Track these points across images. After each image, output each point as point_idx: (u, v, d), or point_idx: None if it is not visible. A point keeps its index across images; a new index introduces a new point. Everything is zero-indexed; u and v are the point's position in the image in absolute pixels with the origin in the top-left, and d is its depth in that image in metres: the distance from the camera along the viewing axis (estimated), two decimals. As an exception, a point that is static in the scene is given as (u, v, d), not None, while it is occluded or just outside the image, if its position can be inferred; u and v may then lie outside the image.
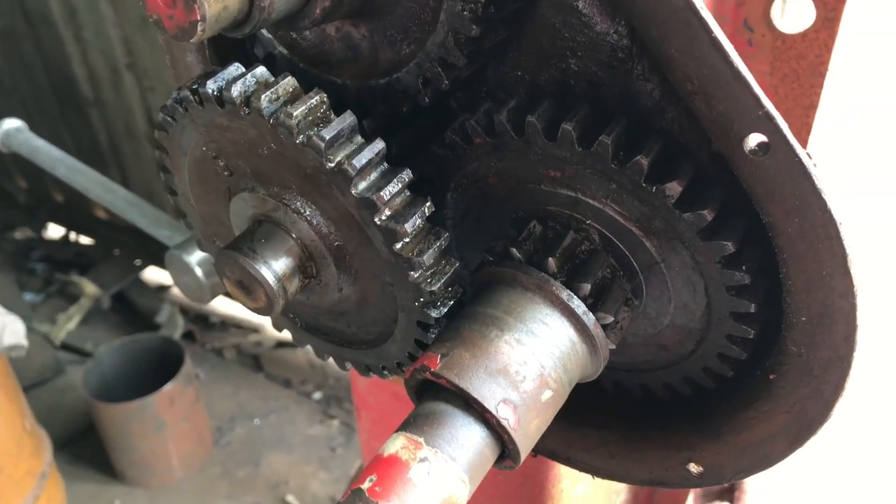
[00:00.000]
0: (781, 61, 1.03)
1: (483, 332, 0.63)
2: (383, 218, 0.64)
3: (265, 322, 4.90)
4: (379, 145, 0.65)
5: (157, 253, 5.36)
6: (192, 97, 0.68)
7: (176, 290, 5.37)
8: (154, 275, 5.55)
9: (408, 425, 0.60)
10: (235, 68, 0.68)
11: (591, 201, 0.67)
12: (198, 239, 0.86)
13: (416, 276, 0.65)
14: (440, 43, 0.68)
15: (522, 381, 0.61)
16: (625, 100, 0.69)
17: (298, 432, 4.45)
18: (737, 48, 1.04)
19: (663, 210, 0.62)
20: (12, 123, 1.56)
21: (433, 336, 0.70)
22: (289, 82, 0.65)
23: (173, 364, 3.98)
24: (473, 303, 0.67)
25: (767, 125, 0.54)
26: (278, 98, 0.65)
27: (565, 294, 0.65)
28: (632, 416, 0.79)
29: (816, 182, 0.54)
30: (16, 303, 5.07)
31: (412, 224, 0.64)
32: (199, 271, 1.31)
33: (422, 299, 0.67)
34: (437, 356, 0.62)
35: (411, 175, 0.65)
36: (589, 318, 0.65)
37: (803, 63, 1.01)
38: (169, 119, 0.72)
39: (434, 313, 0.68)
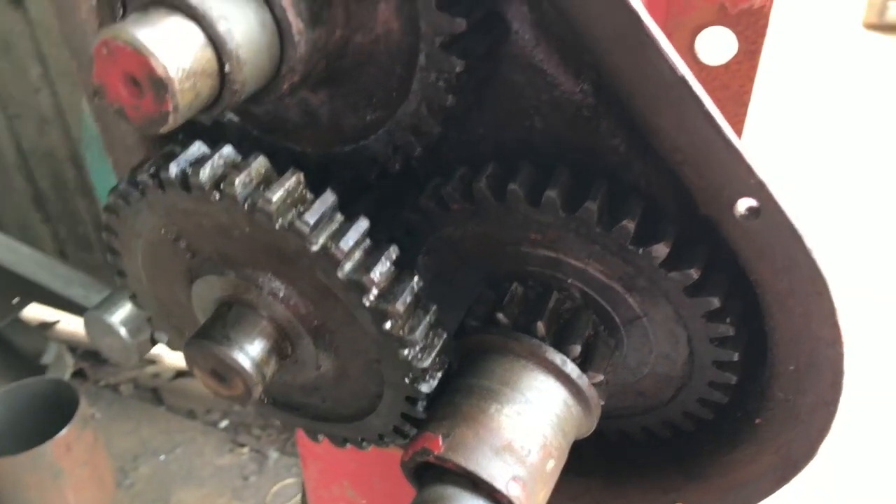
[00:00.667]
0: (707, 91, 1.06)
1: (482, 408, 0.62)
2: (372, 299, 0.62)
3: (161, 351, 4.70)
4: (363, 224, 0.62)
5: (37, 289, 5.05)
6: (150, 181, 0.64)
7: (61, 326, 5.07)
8: (35, 312, 5.22)
9: None
10: (197, 148, 0.64)
11: (572, 261, 0.67)
12: (150, 319, 0.81)
13: (407, 353, 0.64)
14: (412, 112, 0.66)
15: (528, 454, 0.60)
16: (591, 155, 0.69)
17: (208, 464, 4.30)
18: (664, 80, 1.07)
19: (648, 269, 0.63)
20: None
21: (420, 409, 0.68)
22: (261, 163, 0.62)
23: (67, 407, 3.76)
24: (466, 374, 0.66)
25: (759, 192, 0.55)
26: (251, 181, 0.61)
27: (559, 359, 0.65)
28: (613, 461, 0.80)
29: (806, 242, 0.56)
30: None
31: (403, 302, 0.62)
32: (123, 331, 1.23)
33: (412, 375, 0.65)
34: (439, 437, 0.61)
35: (398, 251, 0.63)
36: (583, 381, 0.65)
37: (727, 93, 1.05)
38: (121, 202, 0.67)
39: (424, 388, 0.66)
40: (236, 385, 0.67)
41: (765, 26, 0.99)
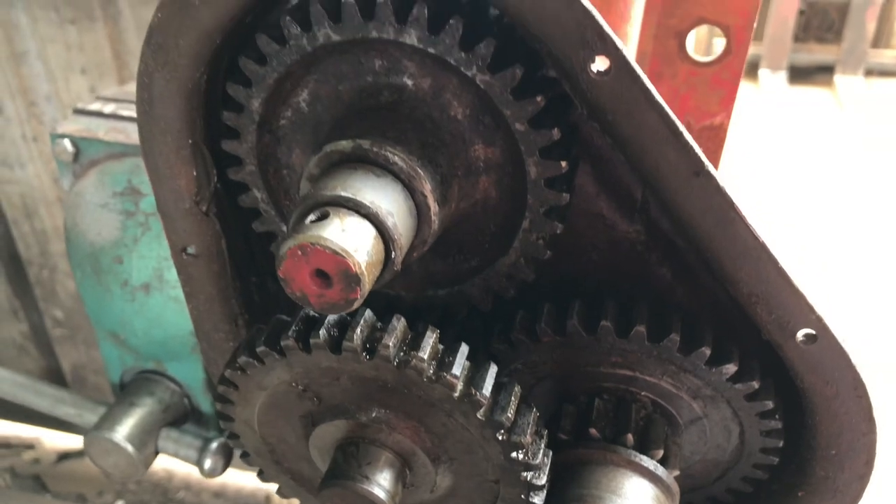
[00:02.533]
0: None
1: None
2: (505, 434, 0.71)
3: (39, 434, 4.43)
4: (494, 369, 0.72)
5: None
6: (294, 345, 0.71)
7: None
8: None
9: None
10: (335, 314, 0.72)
11: (647, 378, 0.80)
12: (245, 454, 0.86)
13: (528, 476, 0.74)
14: (511, 263, 0.77)
15: None
16: (641, 282, 0.83)
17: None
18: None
19: (715, 382, 0.77)
20: None
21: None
22: (402, 325, 0.71)
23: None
24: (573, 484, 0.77)
25: (818, 324, 0.70)
26: (398, 342, 0.70)
27: (651, 465, 0.77)
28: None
29: (852, 359, 0.71)
30: None
31: (529, 433, 0.73)
32: (129, 447, 1.24)
33: (529, 492, 0.76)
34: None
35: (520, 388, 0.74)
36: (670, 479, 0.77)
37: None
38: (253, 363, 0.74)
39: (537, 501, 0.76)
40: None
41: (723, 139, 1.17)
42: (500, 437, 0.71)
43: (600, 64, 0.63)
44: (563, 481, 0.78)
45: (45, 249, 3.06)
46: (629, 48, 0.79)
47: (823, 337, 0.71)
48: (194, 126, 0.77)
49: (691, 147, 0.65)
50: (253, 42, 0.71)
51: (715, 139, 1.17)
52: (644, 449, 0.79)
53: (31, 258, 3.07)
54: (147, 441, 1.28)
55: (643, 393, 0.82)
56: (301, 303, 0.64)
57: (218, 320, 0.89)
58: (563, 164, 0.69)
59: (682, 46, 1.11)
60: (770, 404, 0.77)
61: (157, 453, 1.31)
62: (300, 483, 0.88)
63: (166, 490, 4.53)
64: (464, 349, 0.72)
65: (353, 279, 0.61)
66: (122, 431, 1.26)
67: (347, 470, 0.74)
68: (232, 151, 0.77)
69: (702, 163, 0.66)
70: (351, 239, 0.61)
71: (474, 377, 0.71)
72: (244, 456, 0.87)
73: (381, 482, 0.74)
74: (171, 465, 4.42)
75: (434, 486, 0.79)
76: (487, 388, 0.71)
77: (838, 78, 6.18)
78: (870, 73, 6.27)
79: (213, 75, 0.75)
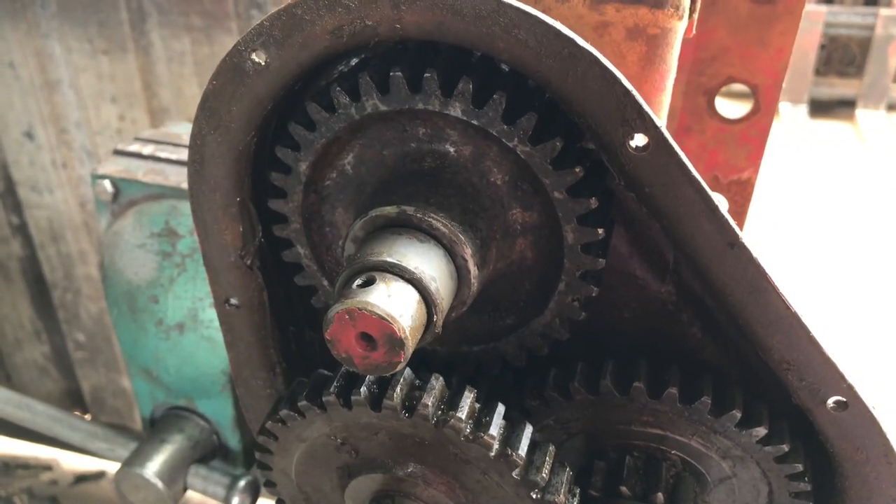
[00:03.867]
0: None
1: None
2: (539, 493, 0.73)
3: (56, 455, 4.47)
4: (530, 430, 0.74)
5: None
6: (336, 400, 0.73)
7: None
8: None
9: None
10: (376, 371, 0.74)
11: (678, 437, 0.82)
12: (282, 501, 0.88)
13: None
14: (546, 323, 0.79)
15: None
16: (673, 340, 0.85)
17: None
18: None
19: (745, 444, 0.78)
20: None
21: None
22: (440, 384, 0.73)
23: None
24: None
25: (849, 392, 0.72)
26: (436, 401, 0.72)
27: None
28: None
29: (882, 427, 0.72)
30: None
31: (564, 492, 0.74)
32: (160, 484, 1.26)
33: None
34: None
35: (555, 449, 0.75)
36: None
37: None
38: (294, 416, 0.76)
39: None
40: None
41: (750, 193, 1.19)
42: (534, 496, 0.73)
43: (639, 140, 0.66)
44: None
45: (70, 273, 3.11)
46: (663, 117, 0.81)
47: (854, 405, 0.72)
48: (242, 185, 0.80)
49: (726, 221, 0.67)
50: (303, 108, 0.74)
51: (743, 193, 1.19)
52: None
53: (56, 281, 3.13)
54: (176, 477, 1.30)
55: (673, 451, 0.83)
56: (346, 363, 0.66)
57: (256, 368, 0.91)
58: (601, 231, 0.72)
59: (710, 104, 1.14)
60: (799, 467, 0.78)
61: (185, 489, 1.33)
62: (333, 531, 0.90)
63: (182, 514, 4.52)
64: (500, 409, 0.74)
65: (397, 343, 0.63)
66: (153, 468, 1.29)
67: (382, 523, 0.76)
68: (278, 210, 0.80)
69: (736, 235, 0.68)
70: (396, 304, 0.63)
71: (510, 437, 0.73)
72: (279, 502, 0.89)
73: None
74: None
75: (464, 538, 0.81)
76: (523, 449, 0.72)
77: (860, 112, 6.19)
78: (892, 107, 6.27)
79: (262, 138, 0.78)
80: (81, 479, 4.63)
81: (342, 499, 0.83)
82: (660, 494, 0.80)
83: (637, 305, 0.85)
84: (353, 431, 0.76)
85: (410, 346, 0.64)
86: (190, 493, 1.42)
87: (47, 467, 4.76)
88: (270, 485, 0.86)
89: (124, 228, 1.31)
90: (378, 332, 0.63)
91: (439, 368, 0.84)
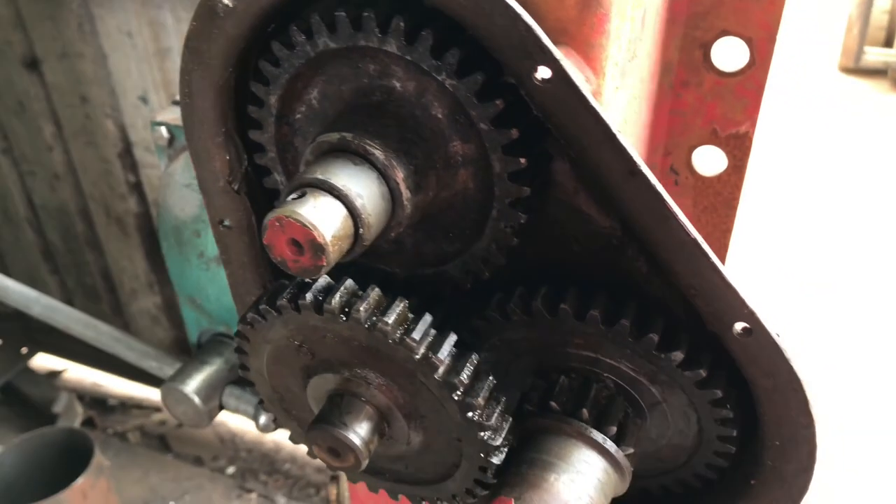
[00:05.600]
0: (702, 197, 1.28)
1: (544, 477, 0.82)
2: (460, 394, 0.81)
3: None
4: (454, 338, 0.82)
5: (45, 338, 5.17)
6: (288, 305, 0.83)
7: (69, 375, 5.20)
8: (44, 362, 5.35)
9: None
10: (324, 280, 0.84)
11: (608, 360, 0.87)
12: (262, 402, 1.00)
13: (484, 435, 0.83)
14: (484, 248, 0.86)
15: None
16: (620, 273, 0.90)
17: (217, 510, 4.42)
18: (666, 188, 1.29)
19: (668, 368, 0.83)
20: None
21: (491, 476, 0.87)
22: (376, 293, 0.82)
23: (81, 456, 3.88)
24: (528, 449, 0.86)
25: (750, 318, 0.76)
26: (370, 307, 0.81)
27: (601, 438, 0.84)
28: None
29: (785, 353, 0.76)
30: None
31: (483, 396, 0.82)
32: (196, 399, 1.41)
33: (486, 451, 0.85)
34: (511, 500, 0.80)
35: (479, 357, 0.83)
36: (619, 455, 0.85)
37: (719, 198, 1.27)
38: (258, 318, 0.87)
39: (495, 460, 0.85)
40: (349, 459, 0.86)
41: (749, 147, 1.20)
42: (455, 398, 0.81)
43: (543, 73, 0.72)
44: (522, 447, 0.87)
45: (177, 228, 3.34)
46: (607, 61, 0.86)
47: (758, 331, 0.76)
48: (226, 117, 0.91)
49: (625, 149, 0.73)
50: (270, 48, 0.84)
51: (741, 147, 1.21)
52: (600, 425, 0.86)
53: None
54: (212, 395, 1.45)
55: (606, 374, 0.89)
56: (282, 267, 0.76)
57: (250, 285, 1.03)
58: (523, 160, 0.78)
59: (706, 57, 1.16)
60: (719, 393, 0.83)
61: (221, 407, 1.48)
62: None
63: (273, 461, 4.82)
64: (427, 318, 0.82)
65: (319, 248, 0.73)
66: (192, 385, 1.44)
67: (330, 417, 0.86)
68: (257, 140, 0.91)
69: (635, 163, 0.73)
70: (319, 214, 0.73)
71: (435, 343, 0.81)
72: (261, 403, 1.01)
73: (358, 430, 0.85)
74: (279, 437, 4.72)
75: (409, 440, 0.90)
76: (444, 353, 0.81)
77: None
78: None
79: (241, 75, 0.88)
80: (186, 421, 5.01)
81: (307, 399, 0.93)
82: (584, 410, 0.86)
83: (585, 239, 0.91)
84: (306, 334, 0.87)
85: (332, 252, 0.73)
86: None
87: (158, 409, 5.17)
88: (251, 385, 0.98)
89: (175, 170, 1.46)
90: (302, 238, 0.73)
91: (401, 290, 0.93)
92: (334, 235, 0.73)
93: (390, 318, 0.80)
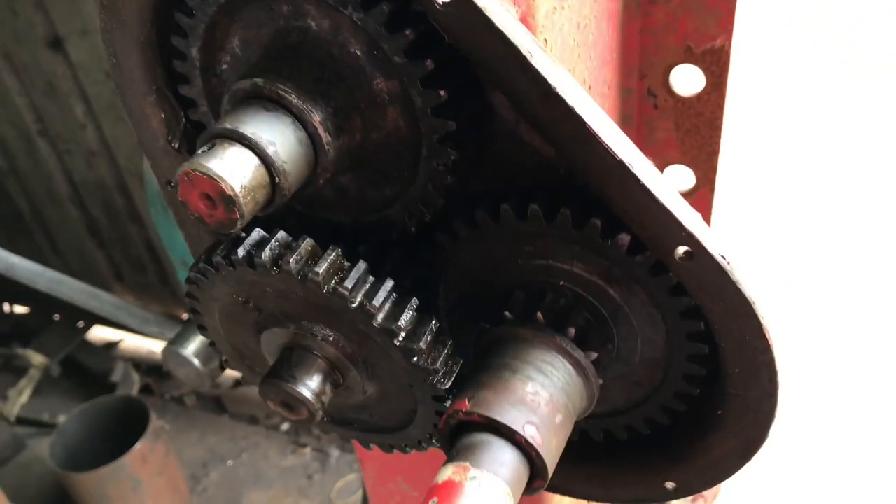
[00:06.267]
0: (683, 119, 1.21)
1: (498, 375, 0.79)
2: (401, 340, 0.79)
3: (219, 362, 4.98)
4: (389, 283, 0.80)
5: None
6: (223, 262, 0.82)
7: (125, 345, 5.37)
8: (100, 334, 5.53)
9: (452, 458, 0.74)
10: (257, 233, 0.82)
11: (560, 265, 0.83)
12: (226, 360, 1.00)
13: (432, 379, 0.81)
14: (421, 188, 0.83)
15: (538, 406, 0.76)
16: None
17: (273, 466, 4.55)
18: (645, 111, 1.23)
19: (618, 259, 0.79)
20: (-17, 244, 1.63)
21: (449, 419, 0.86)
22: (308, 243, 0.80)
23: (138, 422, 4.02)
24: (482, 359, 0.83)
25: (690, 241, 0.71)
26: (301, 258, 0.79)
27: (557, 337, 0.81)
28: (615, 450, 0.97)
29: (732, 276, 0.71)
30: (-39, 385, 5.00)
31: (425, 341, 0.80)
32: (196, 361, 1.43)
33: (437, 395, 0.83)
34: (465, 400, 0.77)
35: (418, 302, 0.81)
36: (579, 353, 0.81)
37: (702, 119, 1.20)
38: (200, 277, 0.86)
39: (448, 404, 0.83)
40: (302, 411, 0.85)
41: (727, 62, 1.13)
42: (396, 344, 0.79)
43: (443, -4, 0.67)
44: (478, 356, 0.84)
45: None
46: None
47: (700, 254, 0.72)
48: (155, 74, 0.89)
49: (537, 70, 0.68)
50: (183, -2, 0.81)
51: (718, 63, 1.14)
52: (559, 329, 0.83)
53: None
54: (212, 356, 1.46)
55: (561, 283, 0.85)
56: (200, 223, 0.74)
57: (206, 243, 1.02)
58: (443, 92, 0.74)
59: (671, -32, 1.09)
60: (674, 279, 0.77)
61: (223, 369, 1.49)
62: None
63: (325, 415, 4.90)
64: (360, 265, 0.80)
65: (229, 201, 0.70)
66: (192, 348, 1.45)
67: (281, 371, 0.85)
68: (187, 95, 0.88)
69: (548, 84, 0.68)
70: (226, 166, 0.70)
71: (371, 290, 0.79)
72: (225, 361, 1.00)
73: (308, 383, 0.84)
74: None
75: (365, 390, 0.88)
76: (379, 299, 0.78)
77: None
78: None
79: (163, 29, 0.86)
80: (239, 383, 5.14)
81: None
82: (539, 314, 0.82)
83: (533, 172, 0.86)
84: (248, 290, 0.85)
85: (244, 203, 0.71)
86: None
87: (211, 372, 5.30)
88: (212, 345, 0.97)
89: (156, 135, 1.45)
90: (212, 191, 0.71)
91: (349, 239, 0.91)
92: (245, 186, 0.71)
93: (321, 269, 0.78)
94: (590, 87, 1.06)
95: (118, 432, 4.04)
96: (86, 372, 5.21)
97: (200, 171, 0.70)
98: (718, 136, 1.22)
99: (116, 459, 3.85)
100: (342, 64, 0.79)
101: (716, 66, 1.15)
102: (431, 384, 0.82)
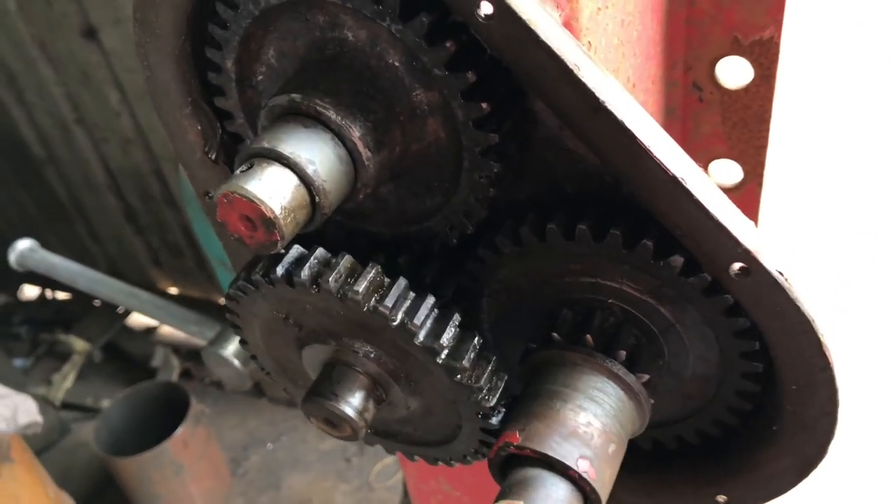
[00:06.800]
0: (730, 112, 1.17)
1: (549, 405, 0.77)
2: (443, 358, 0.77)
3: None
4: (430, 300, 0.78)
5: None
6: (262, 280, 0.81)
7: (165, 331, 5.44)
8: (140, 319, 5.61)
9: (505, 494, 0.72)
10: (296, 251, 0.80)
11: (609, 283, 0.81)
12: (269, 373, 0.99)
13: (475, 397, 0.79)
14: (463, 200, 0.81)
15: (591, 438, 0.75)
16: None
17: (312, 449, 4.59)
18: (691, 105, 1.19)
19: (671, 279, 0.76)
20: (25, 244, 1.65)
21: (493, 435, 0.84)
22: (347, 260, 0.78)
23: (179, 407, 4.08)
24: (532, 383, 0.81)
25: (746, 257, 0.68)
26: (341, 276, 0.78)
27: (608, 362, 0.79)
28: (667, 461, 0.94)
29: (790, 293, 0.68)
30: (6, 370, 5.11)
31: (468, 359, 0.78)
32: (236, 362, 1.43)
33: (482, 412, 0.81)
34: (516, 432, 0.76)
35: (461, 317, 0.79)
36: (630, 378, 0.79)
37: (749, 112, 1.16)
38: (240, 294, 0.85)
39: (494, 420, 0.82)
40: (345, 429, 0.84)
41: (776, 54, 1.09)
42: (439, 362, 0.77)
43: (485, 9, 0.65)
44: (528, 384, 0.82)
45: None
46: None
47: (756, 271, 0.69)
48: (190, 86, 0.87)
49: (585, 84, 0.65)
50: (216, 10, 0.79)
51: (767, 54, 1.10)
52: (608, 352, 0.80)
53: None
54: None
55: (610, 301, 0.82)
56: (241, 244, 0.73)
57: (249, 255, 1.01)
58: (485, 105, 0.72)
59: (719, -43, 1.04)
60: (731, 299, 0.74)
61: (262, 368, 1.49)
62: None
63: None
64: (401, 282, 0.78)
65: (269, 223, 0.69)
66: (231, 348, 1.45)
67: (322, 388, 0.84)
68: (222, 107, 0.87)
69: (597, 98, 0.66)
70: (266, 187, 0.69)
71: (412, 307, 0.77)
72: (268, 374, 0.99)
73: (351, 401, 0.83)
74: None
75: (408, 405, 0.87)
76: (420, 317, 0.76)
77: None
78: None
79: (196, 41, 0.84)
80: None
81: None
82: (588, 336, 0.80)
83: (577, 180, 0.84)
84: (288, 307, 0.84)
85: (285, 225, 0.69)
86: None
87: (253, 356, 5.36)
88: (253, 358, 0.97)
89: (191, 136, 1.44)
90: (252, 214, 0.69)
91: (389, 250, 0.89)
92: (285, 208, 0.69)
93: (360, 287, 0.76)
94: (634, 85, 1.02)
95: (160, 417, 4.10)
96: (127, 357, 5.30)
97: (240, 194, 0.68)
98: (767, 130, 1.17)
99: (159, 444, 3.91)
100: (380, 76, 0.76)
101: (764, 58, 1.10)
102: (476, 402, 0.80)
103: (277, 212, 0.69)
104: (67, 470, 4.47)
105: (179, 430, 3.95)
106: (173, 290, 5.55)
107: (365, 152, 0.75)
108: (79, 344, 5.23)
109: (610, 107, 0.66)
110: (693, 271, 0.74)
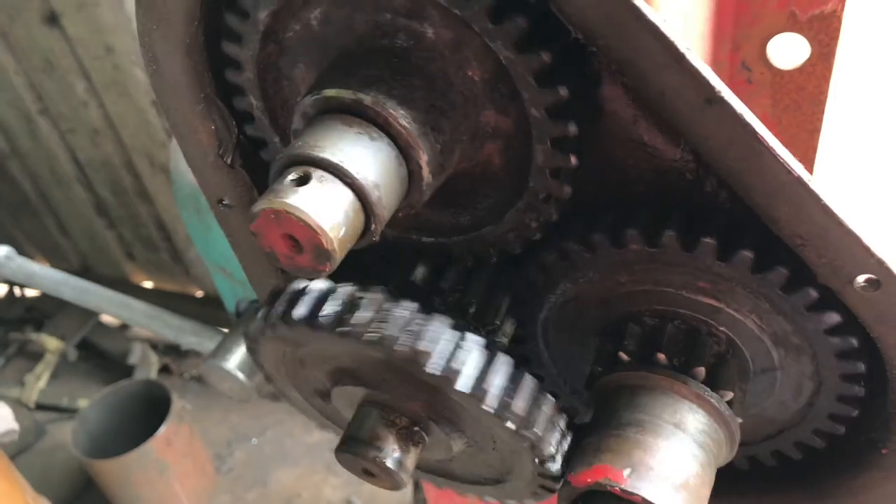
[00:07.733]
0: (782, 94, 1.08)
1: (653, 442, 0.68)
2: (516, 428, 0.67)
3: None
4: (475, 349, 0.67)
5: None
6: (281, 322, 0.70)
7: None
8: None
9: None
10: (322, 286, 0.70)
11: (732, 312, 0.71)
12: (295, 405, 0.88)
13: (540, 462, 0.70)
14: (499, 235, 0.72)
15: (696, 490, 0.67)
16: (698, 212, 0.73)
17: (299, 443, 4.48)
18: (737, 87, 1.09)
19: (810, 331, 0.67)
20: (1, 251, 1.52)
21: (552, 481, 0.74)
22: (377, 297, 0.68)
23: (160, 405, 3.94)
24: (631, 407, 0.71)
25: (878, 268, 0.59)
26: (370, 318, 0.67)
27: (722, 405, 0.70)
28: (754, 485, 0.86)
29: (926, 308, 0.59)
30: (-24, 372, 4.92)
31: (542, 428, 0.68)
32: (241, 375, 1.32)
33: (545, 472, 0.72)
34: (622, 472, 0.66)
35: (510, 358, 0.68)
36: (735, 424, 0.70)
37: (804, 94, 1.07)
38: (257, 335, 0.74)
39: (553, 468, 0.72)
40: (385, 481, 0.74)
41: (837, 29, 0.99)
42: (509, 427, 0.67)
43: (580, -17, 0.54)
44: (618, 402, 0.73)
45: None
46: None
47: (888, 282, 0.60)
48: (203, 80, 0.75)
49: (699, 71, 0.55)
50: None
51: (828, 30, 1.00)
52: (714, 387, 0.71)
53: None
54: (256, 370, 1.35)
55: (721, 328, 0.73)
56: (269, 259, 0.62)
57: (265, 267, 0.90)
58: (574, 159, 0.62)
59: (779, -77, 0.95)
60: (861, 367, 0.67)
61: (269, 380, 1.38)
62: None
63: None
64: (443, 324, 0.67)
65: (323, 254, 0.58)
66: (234, 361, 1.34)
67: (359, 436, 0.73)
68: (232, 55, 0.73)
69: (713, 88, 0.55)
70: (328, 212, 0.57)
71: (454, 353, 0.66)
72: (293, 405, 0.89)
73: (388, 450, 0.72)
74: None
75: (450, 447, 0.77)
76: (498, 385, 0.66)
77: None
78: None
79: (210, 28, 0.72)
80: (259, 359, 5.06)
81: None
82: (702, 369, 0.71)
83: (651, 178, 0.74)
84: (311, 351, 0.73)
85: (338, 257, 0.58)
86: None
87: (230, 349, 5.22)
88: (282, 394, 0.86)
89: (183, 130, 1.32)
90: (304, 239, 0.58)
91: (434, 256, 0.79)
92: (343, 238, 0.58)
93: (393, 331, 0.65)
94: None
95: (140, 416, 3.97)
96: (103, 354, 5.13)
97: (296, 216, 0.56)
98: (821, 113, 1.08)
99: (141, 444, 3.78)
100: (454, 88, 0.65)
101: (824, 34, 1.01)
102: (541, 467, 0.70)
103: (336, 244, 0.57)
104: (45, 473, 4.31)
105: (163, 428, 3.81)
106: (148, 284, 5.39)
107: (427, 178, 0.64)
108: (51, 342, 5.05)
109: (728, 98, 0.55)
110: (839, 333, 0.66)
